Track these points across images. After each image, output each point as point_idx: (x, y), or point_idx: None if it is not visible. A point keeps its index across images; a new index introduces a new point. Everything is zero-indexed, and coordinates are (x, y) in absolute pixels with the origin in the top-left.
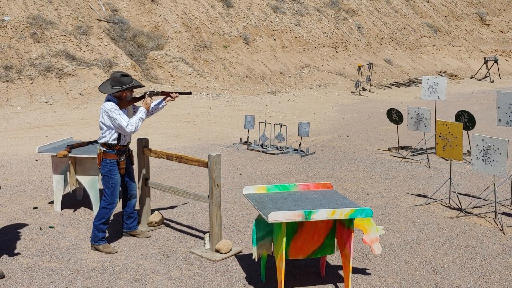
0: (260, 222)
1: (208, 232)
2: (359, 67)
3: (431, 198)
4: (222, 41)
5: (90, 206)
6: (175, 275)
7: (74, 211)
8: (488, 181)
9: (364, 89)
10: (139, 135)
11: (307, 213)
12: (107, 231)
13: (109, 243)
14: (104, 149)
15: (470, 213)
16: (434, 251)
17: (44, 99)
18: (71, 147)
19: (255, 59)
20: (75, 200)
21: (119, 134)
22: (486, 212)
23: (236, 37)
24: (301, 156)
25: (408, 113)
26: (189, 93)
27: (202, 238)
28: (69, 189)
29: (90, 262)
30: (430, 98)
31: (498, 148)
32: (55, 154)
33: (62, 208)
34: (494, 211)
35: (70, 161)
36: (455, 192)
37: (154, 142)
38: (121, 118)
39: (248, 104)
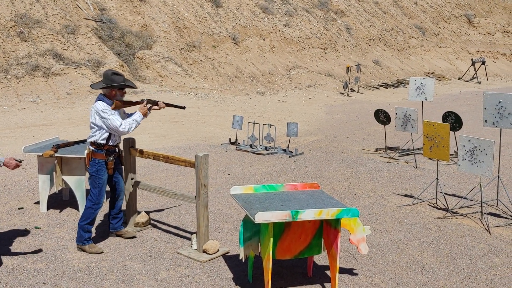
0: (247, 223)
1: (195, 232)
2: (348, 68)
3: (418, 199)
4: (211, 41)
5: (76, 207)
6: (162, 276)
7: (60, 211)
8: (475, 181)
9: (352, 90)
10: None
11: (294, 213)
12: (93, 231)
13: (95, 244)
14: (93, 148)
15: (456, 213)
16: (421, 251)
17: (31, 99)
18: (57, 147)
19: (244, 59)
20: (61, 200)
21: (109, 134)
22: (473, 213)
23: (225, 37)
24: (289, 156)
25: (396, 114)
26: (183, 107)
27: (189, 239)
28: (55, 189)
29: (76, 263)
30: (417, 99)
31: (484, 149)
32: (41, 154)
33: (48, 209)
34: (481, 212)
35: (56, 161)
36: (441, 192)
37: (142, 142)
38: (114, 118)
39: (237, 104)
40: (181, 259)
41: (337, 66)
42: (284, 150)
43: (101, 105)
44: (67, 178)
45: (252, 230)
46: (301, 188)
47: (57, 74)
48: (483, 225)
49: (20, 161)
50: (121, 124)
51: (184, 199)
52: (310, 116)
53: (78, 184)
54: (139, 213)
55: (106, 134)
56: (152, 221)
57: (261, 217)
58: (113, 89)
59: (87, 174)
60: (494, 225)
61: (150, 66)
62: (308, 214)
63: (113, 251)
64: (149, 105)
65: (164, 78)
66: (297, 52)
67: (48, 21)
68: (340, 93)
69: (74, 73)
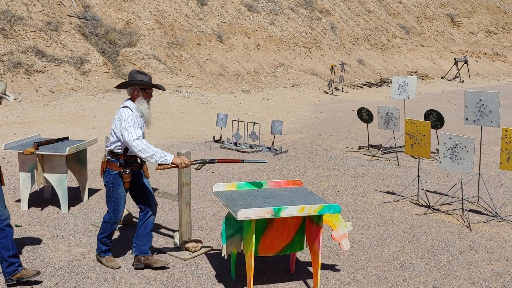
0: (230, 220)
1: (177, 230)
2: (332, 67)
3: (399, 195)
4: (196, 38)
5: (58, 205)
6: (144, 273)
7: (41, 209)
8: (456, 178)
9: (336, 88)
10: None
11: (277, 210)
12: (111, 244)
13: (114, 257)
14: (109, 157)
15: (438, 210)
16: (402, 247)
17: (13, 96)
18: (38, 144)
19: (229, 57)
20: (42, 198)
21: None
22: (454, 209)
23: (210, 34)
24: (274, 154)
25: (378, 112)
26: (264, 161)
27: (171, 237)
28: (36, 187)
29: (57, 261)
30: (400, 97)
31: (465, 146)
32: (21, 151)
33: (29, 207)
34: (461, 208)
35: (37, 159)
36: (423, 189)
37: None
38: (134, 131)
39: (222, 102)
40: (163, 256)
41: (321, 65)
42: (269, 148)
43: (126, 113)
44: (48, 176)
45: (234, 227)
46: (284, 185)
47: (40, 71)
48: (464, 221)
49: None
50: (136, 139)
51: (166, 197)
52: (295, 114)
53: (60, 181)
54: None
55: (122, 144)
56: (134, 219)
57: (244, 214)
58: (135, 89)
59: (69, 172)
60: (474, 222)
61: (134, 64)
62: (291, 211)
63: (94, 248)
64: (198, 165)
65: None
66: (282, 50)
67: (30, 17)
68: (325, 91)
69: (57, 71)
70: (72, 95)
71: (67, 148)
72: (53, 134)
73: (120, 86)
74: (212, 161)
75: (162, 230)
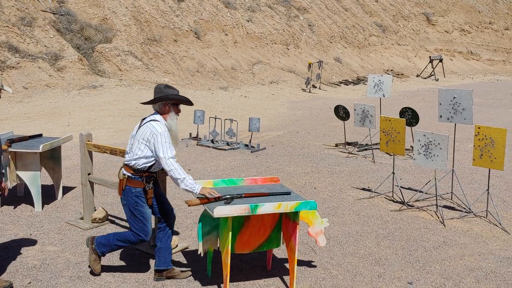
0: (206, 217)
1: (154, 228)
2: (310, 65)
3: (375, 192)
4: (173, 35)
5: (31, 203)
6: (119, 271)
7: (14, 207)
8: (430, 175)
9: (314, 86)
10: (83, 129)
11: (253, 207)
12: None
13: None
14: (130, 174)
15: (412, 206)
16: (378, 243)
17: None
18: (11, 141)
19: (207, 54)
20: (15, 196)
21: (154, 162)
22: (428, 205)
23: (187, 31)
24: (251, 151)
25: (355, 110)
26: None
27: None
28: (9, 185)
29: (30, 260)
30: (375, 95)
31: (439, 143)
32: None
33: (1, 205)
34: (436, 204)
35: (10, 156)
36: (398, 186)
37: (100, 137)
38: (171, 147)
39: (199, 99)
40: (139, 255)
41: (299, 63)
42: (246, 145)
43: (161, 128)
44: (21, 174)
45: (211, 225)
46: (261, 182)
47: (13, 67)
48: (438, 217)
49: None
50: (172, 157)
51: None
52: (272, 111)
53: (33, 179)
54: (96, 209)
55: (153, 161)
56: (110, 217)
57: (220, 212)
58: (167, 104)
59: (43, 170)
60: (448, 218)
61: (109, 60)
62: (267, 208)
63: (69, 247)
64: (217, 196)
65: (124, 72)
66: (260, 47)
67: (3, 12)
68: (302, 89)
69: (30, 67)
70: (46, 91)
71: (41, 146)
72: (27, 131)
73: (153, 101)
74: (239, 196)
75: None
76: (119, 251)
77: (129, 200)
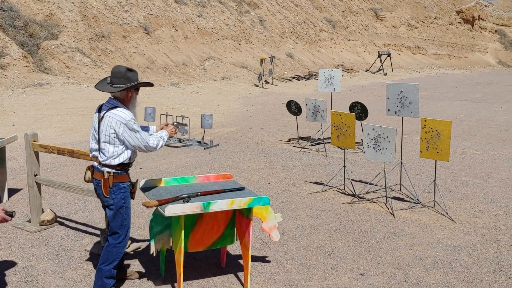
0: (158, 216)
1: (104, 229)
2: (262, 60)
3: (327, 186)
4: (121, 31)
5: None
6: (70, 274)
7: None
8: (379, 167)
9: (266, 82)
10: (29, 129)
11: (206, 205)
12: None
13: None
14: (115, 170)
15: (363, 198)
16: (330, 235)
17: None
18: None
19: (157, 49)
20: None
21: (133, 151)
22: (378, 197)
23: (136, 27)
24: (204, 148)
25: (306, 105)
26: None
27: (98, 236)
28: None
29: None
30: (326, 90)
31: (387, 137)
32: None
33: None
34: (385, 196)
35: None
36: (349, 179)
37: (47, 136)
38: (143, 133)
39: (150, 96)
40: (90, 256)
41: (251, 58)
42: (199, 142)
43: (128, 114)
44: None
45: (163, 224)
46: (214, 179)
47: None
48: (388, 209)
49: (11, 215)
50: (148, 140)
51: (91, 195)
52: (225, 107)
53: None
54: (44, 210)
55: (131, 152)
56: (58, 219)
57: (172, 210)
58: (129, 90)
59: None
60: (397, 209)
61: (56, 57)
62: (220, 205)
63: (16, 251)
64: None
65: (71, 70)
66: (211, 43)
67: None
68: (255, 85)
69: None
70: None
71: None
72: None
73: (121, 89)
74: (195, 194)
75: (89, 229)
76: (72, 250)
77: (117, 197)
